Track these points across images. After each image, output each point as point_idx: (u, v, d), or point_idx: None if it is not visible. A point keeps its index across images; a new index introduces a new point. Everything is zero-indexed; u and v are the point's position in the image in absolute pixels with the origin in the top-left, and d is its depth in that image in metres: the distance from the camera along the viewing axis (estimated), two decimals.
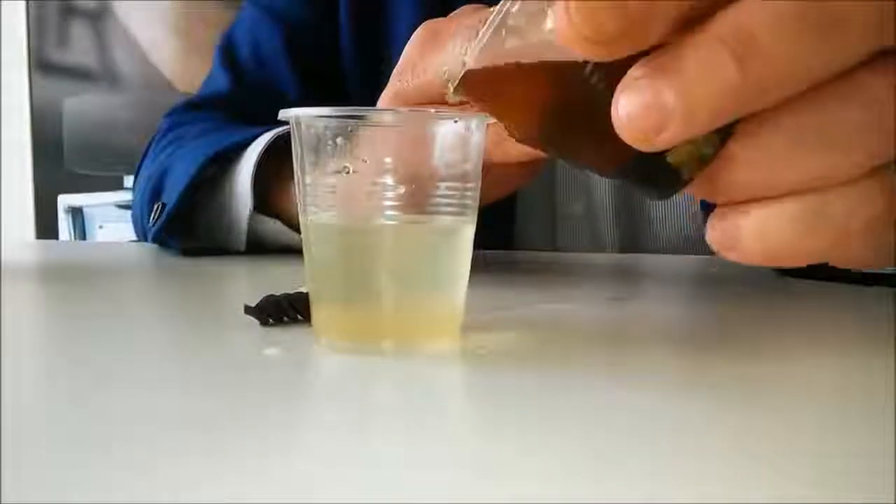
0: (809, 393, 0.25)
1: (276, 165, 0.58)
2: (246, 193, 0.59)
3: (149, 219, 0.63)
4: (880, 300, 0.40)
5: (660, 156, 0.23)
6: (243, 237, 0.60)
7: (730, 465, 0.19)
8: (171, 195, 0.61)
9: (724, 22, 0.21)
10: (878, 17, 0.21)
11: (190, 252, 0.61)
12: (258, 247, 0.61)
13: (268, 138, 0.58)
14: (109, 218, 1.83)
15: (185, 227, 0.62)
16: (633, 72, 0.22)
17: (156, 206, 0.63)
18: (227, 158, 0.60)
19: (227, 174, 0.61)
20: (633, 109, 0.21)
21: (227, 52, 0.74)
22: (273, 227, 0.59)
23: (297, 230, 0.57)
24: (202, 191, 0.61)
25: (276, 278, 0.51)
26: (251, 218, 0.59)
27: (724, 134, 0.23)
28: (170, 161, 0.65)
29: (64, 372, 0.27)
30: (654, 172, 0.24)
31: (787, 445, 0.20)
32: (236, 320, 0.32)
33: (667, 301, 0.44)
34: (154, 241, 0.63)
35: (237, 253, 0.61)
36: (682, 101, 0.21)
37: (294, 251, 0.58)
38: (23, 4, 1.83)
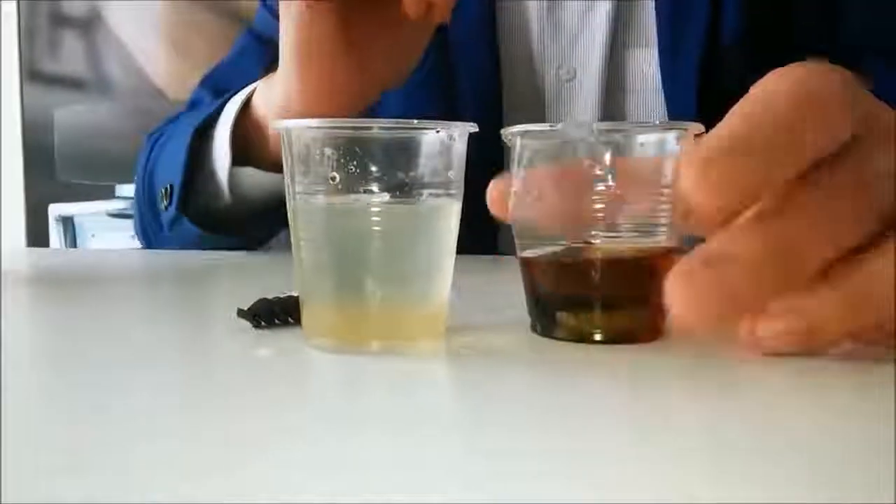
0: (810, 392, 0.25)
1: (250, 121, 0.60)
2: (223, 149, 0.60)
3: (157, 208, 0.64)
4: None
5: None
6: (225, 187, 0.61)
7: (729, 465, 0.19)
8: (174, 175, 0.62)
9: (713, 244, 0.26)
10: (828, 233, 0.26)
11: (208, 241, 0.62)
12: (246, 204, 0.62)
13: (243, 95, 0.60)
14: (101, 227, 1.83)
15: (195, 208, 0.63)
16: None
17: (163, 190, 0.63)
18: (208, 129, 0.62)
19: (208, 143, 0.62)
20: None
21: (209, 81, 0.76)
22: (253, 177, 0.61)
23: (274, 169, 0.58)
24: (195, 167, 0.63)
25: (269, 282, 0.51)
26: (232, 174, 0.60)
27: None
28: (158, 148, 0.67)
29: (60, 375, 0.27)
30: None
31: (788, 445, 0.20)
32: (229, 324, 0.33)
33: None
34: (171, 228, 0.64)
35: (233, 251, 0.61)
36: None
37: (284, 231, 0.59)
38: (14, 14, 1.83)
